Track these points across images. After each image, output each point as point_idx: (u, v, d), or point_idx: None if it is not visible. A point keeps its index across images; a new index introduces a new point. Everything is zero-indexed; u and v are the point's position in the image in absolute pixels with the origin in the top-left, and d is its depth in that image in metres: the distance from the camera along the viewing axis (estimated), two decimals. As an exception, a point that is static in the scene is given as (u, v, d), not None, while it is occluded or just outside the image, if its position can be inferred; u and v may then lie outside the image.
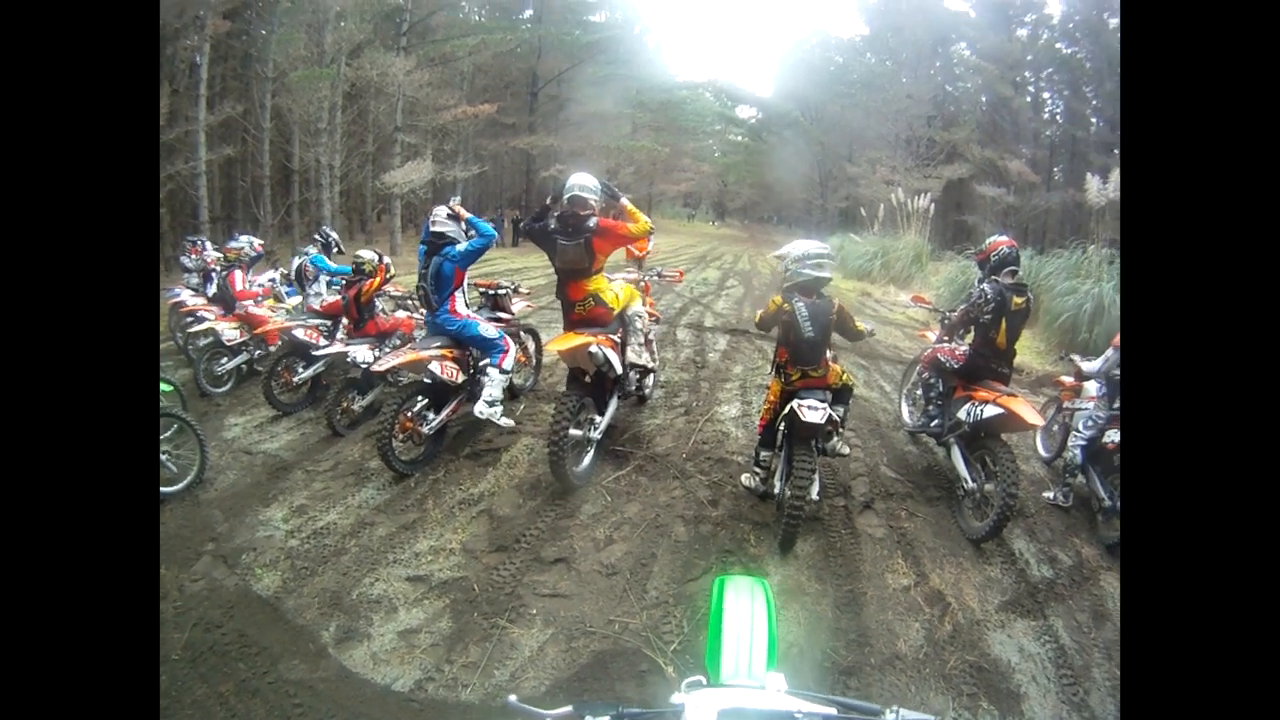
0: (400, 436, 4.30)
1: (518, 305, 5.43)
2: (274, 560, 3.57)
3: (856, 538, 3.89)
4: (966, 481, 4.11)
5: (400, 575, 3.39)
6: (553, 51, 23.65)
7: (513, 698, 1.03)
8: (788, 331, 3.73)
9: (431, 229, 4.58)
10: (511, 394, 5.49)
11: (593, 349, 4.02)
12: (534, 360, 5.79)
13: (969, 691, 2.90)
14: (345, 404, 5.16)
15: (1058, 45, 20.06)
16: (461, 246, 4.53)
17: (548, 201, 4.31)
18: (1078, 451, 4.53)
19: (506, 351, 4.57)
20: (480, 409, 4.37)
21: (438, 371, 4.31)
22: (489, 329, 4.61)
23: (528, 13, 24.79)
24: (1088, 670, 3.17)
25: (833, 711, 1.03)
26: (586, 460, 4.25)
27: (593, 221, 4.05)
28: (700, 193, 38.09)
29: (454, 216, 4.61)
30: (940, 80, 23.83)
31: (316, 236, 7.16)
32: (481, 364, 4.57)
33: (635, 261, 5.37)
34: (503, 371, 4.51)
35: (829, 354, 3.86)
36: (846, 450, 4.09)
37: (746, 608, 1.40)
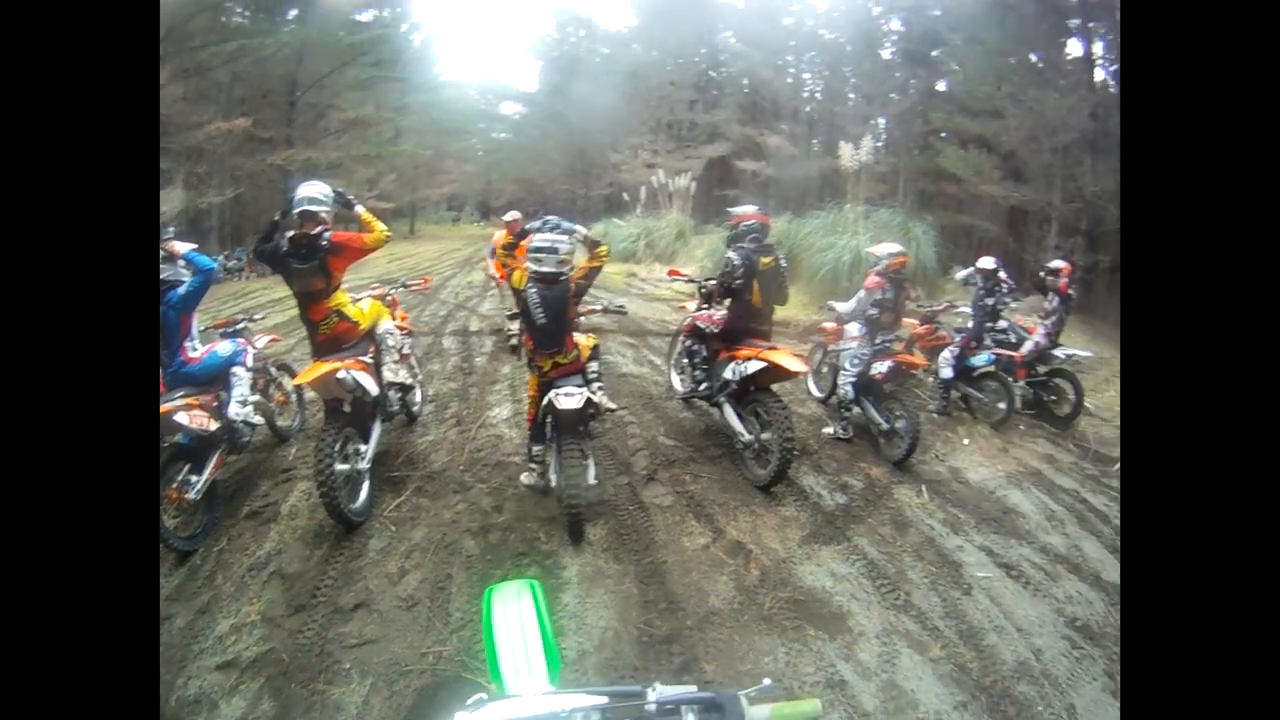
0: (170, 511, 3.72)
1: (261, 340, 4.88)
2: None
3: (645, 511, 4.00)
4: (743, 435, 4.37)
5: (210, 666, 3.00)
6: (314, 55, 21.51)
7: None
8: (525, 314, 3.72)
9: None
10: (279, 437, 5.01)
11: (340, 375, 3.74)
12: (291, 398, 5.26)
13: (793, 625, 3.09)
14: None
15: (821, 31, 21.99)
16: (181, 289, 3.96)
17: (276, 218, 3.95)
18: (849, 387, 5.10)
19: (246, 351, 4.40)
20: (234, 410, 4.10)
21: (186, 423, 3.75)
22: (223, 346, 4.31)
23: (292, 13, 22.31)
24: (903, 574, 3.52)
25: (602, 700, 1.02)
26: (363, 494, 3.96)
27: (326, 239, 3.79)
28: (465, 194, 37.63)
29: (169, 257, 3.96)
30: (704, 67, 25.28)
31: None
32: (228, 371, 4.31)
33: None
34: (247, 369, 4.31)
35: (578, 335, 3.92)
36: (613, 406, 4.19)
37: (515, 614, 1.39)
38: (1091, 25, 12.32)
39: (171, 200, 15.20)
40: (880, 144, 17.20)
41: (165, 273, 4.00)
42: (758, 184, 20.11)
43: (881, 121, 19.65)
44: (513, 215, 7.80)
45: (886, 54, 20.02)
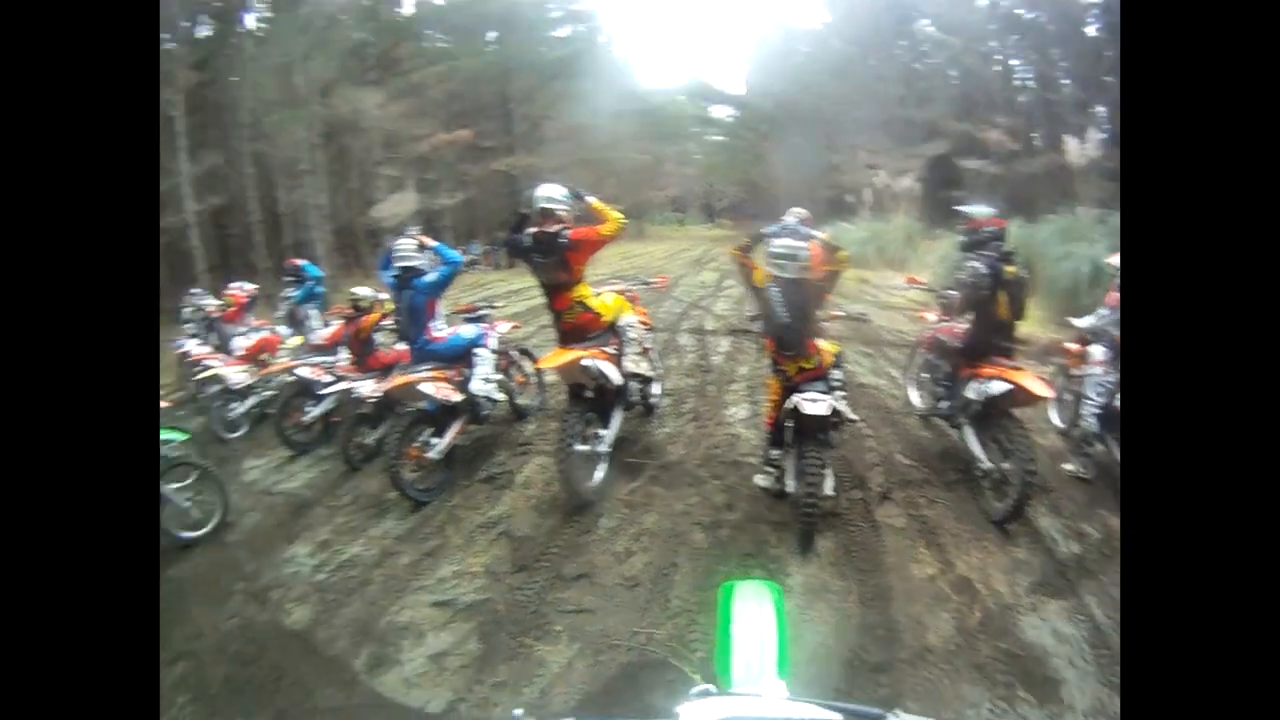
0: (410, 466, 4.33)
1: (503, 326, 5.45)
2: (303, 595, 3.61)
3: (877, 530, 3.86)
4: (983, 462, 4.04)
5: (426, 601, 3.41)
6: (520, 71, 23.63)
7: (518, 711, 1.00)
8: (766, 315, 3.72)
9: (397, 263, 4.70)
10: (519, 415, 5.53)
11: (585, 362, 4.02)
12: (532, 380, 5.79)
13: (1004, 680, 2.82)
14: (357, 439, 5.20)
15: (1018, 11, 19.84)
16: (430, 276, 4.64)
17: (524, 212, 4.36)
18: (1092, 419, 4.37)
19: (488, 334, 4.88)
20: (476, 385, 4.62)
21: (432, 392, 4.34)
22: (467, 329, 4.85)
23: (491, 34, 24.78)
24: (1128, 649, 3.09)
25: (837, 717, 0.99)
26: (599, 475, 4.24)
27: (565, 236, 4.07)
28: (688, 196, 38.17)
29: (422, 247, 4.73)
30: (907, 60, 23.68)
31: (287, 276, 7.47)
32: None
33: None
34: (491, 351, 4.79)
35: (821, 341, 3.84)
36: (855, 416, 4.04)
37: (754, 614, 1.35)
38: None
39: (406, 203, 17.61)
40: (1104, 135, 14.79)
41: (415, 261, 4.70)
42: (982, 183, 18.35)
43: (1101, 109, 16.83)
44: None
45: (1092, 30, 17.08)
